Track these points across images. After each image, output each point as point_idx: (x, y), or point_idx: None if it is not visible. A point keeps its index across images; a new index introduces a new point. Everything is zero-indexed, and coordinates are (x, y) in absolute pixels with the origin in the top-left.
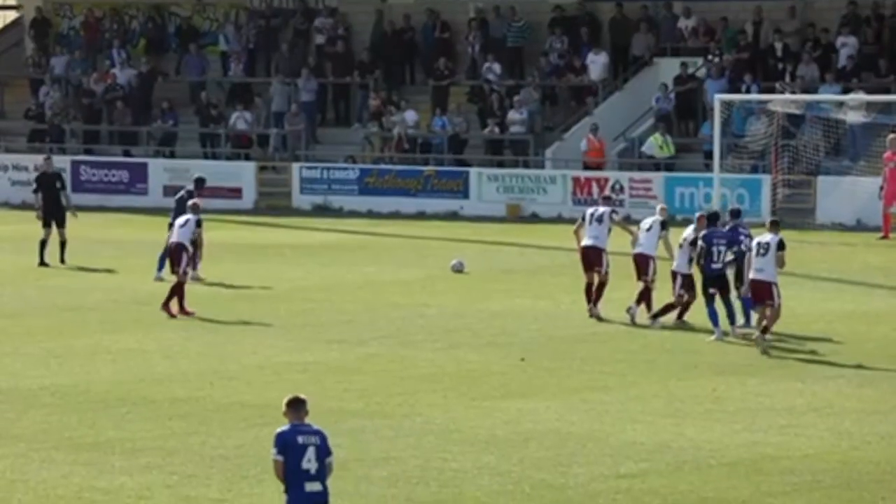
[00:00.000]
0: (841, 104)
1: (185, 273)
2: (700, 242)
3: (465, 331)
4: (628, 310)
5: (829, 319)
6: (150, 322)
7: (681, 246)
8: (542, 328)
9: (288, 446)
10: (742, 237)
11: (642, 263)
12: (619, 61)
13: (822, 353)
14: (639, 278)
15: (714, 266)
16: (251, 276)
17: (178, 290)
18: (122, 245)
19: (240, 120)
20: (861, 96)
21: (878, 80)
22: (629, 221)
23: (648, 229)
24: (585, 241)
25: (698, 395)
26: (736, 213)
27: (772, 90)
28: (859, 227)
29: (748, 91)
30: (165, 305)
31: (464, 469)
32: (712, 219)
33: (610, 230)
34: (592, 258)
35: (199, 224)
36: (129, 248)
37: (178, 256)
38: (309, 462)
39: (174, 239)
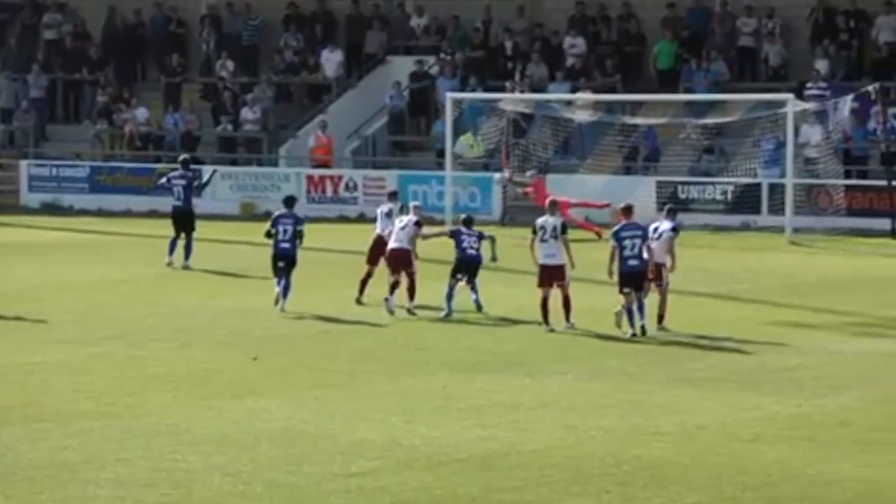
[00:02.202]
0: (569, 103)
1: None
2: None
3: (197, 330)
4: (385, 299)
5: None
6: None
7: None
8: (274, 326)
9: None
10: None
11: (403, 258)
12: (353, 59)
13: (551, 349)
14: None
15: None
16: None
17: None
18: None
19: None
20: (588, 95)
21: (605, 79)
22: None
23: (402, 227)
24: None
25: (429, 391)
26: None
27: (502, 89)
28: (588, 222)
29: (475, 89)
30: None
31: (194, 469)
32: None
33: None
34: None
35: None
36: None
37: None
38: None
39: None
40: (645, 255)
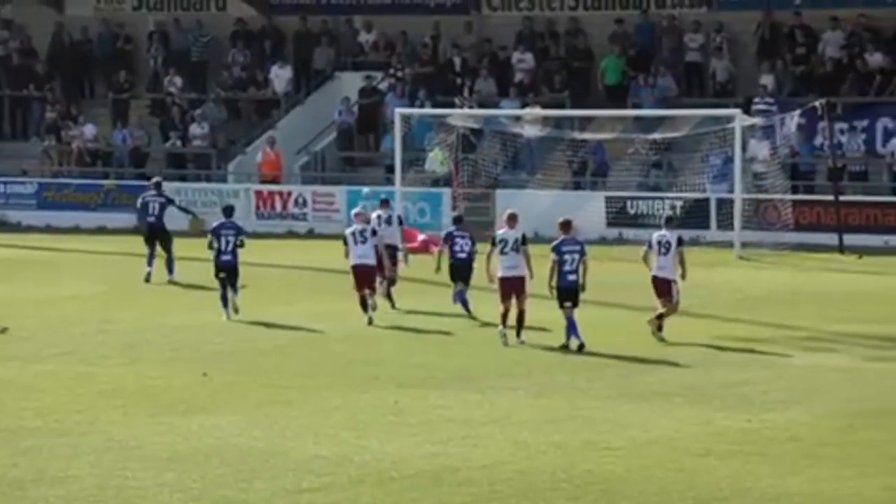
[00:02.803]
0: (518, 118)
1: None
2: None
3: (146, 346)
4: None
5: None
6: None
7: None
8: (224, 342)
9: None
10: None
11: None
12: (301, 75)
13: (501, 365)
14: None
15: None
16: None
17: None
18: None
19: None
20: (537, 111)
21: (553, 94)
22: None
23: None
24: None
25: (380, 407)
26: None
27: (451, 105)
28: (537, 238)
29: (423, 105)
30: None
31: (144, 486)
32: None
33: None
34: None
35: None
36: None
37: None
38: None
39: None
40: (580, 271)
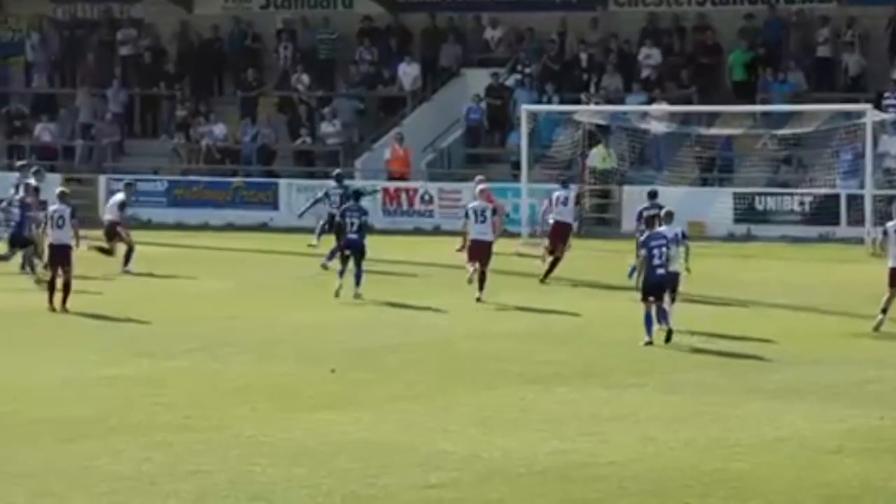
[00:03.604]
0: (644, 114)
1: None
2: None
3: (274, 343)
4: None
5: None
6: None
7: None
8: (351, 339)
9: None
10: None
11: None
12: (428, 72)
13: (628, 361)
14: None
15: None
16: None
17: None
18: None
19: (45, 131)
20: (664, 106)
21: (680, 90)
22: None
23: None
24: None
25: (507, 403)
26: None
27: (577, 101)
28: None
29: (550, 101)
30: None
31: (273, 482)
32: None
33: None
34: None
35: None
36: None
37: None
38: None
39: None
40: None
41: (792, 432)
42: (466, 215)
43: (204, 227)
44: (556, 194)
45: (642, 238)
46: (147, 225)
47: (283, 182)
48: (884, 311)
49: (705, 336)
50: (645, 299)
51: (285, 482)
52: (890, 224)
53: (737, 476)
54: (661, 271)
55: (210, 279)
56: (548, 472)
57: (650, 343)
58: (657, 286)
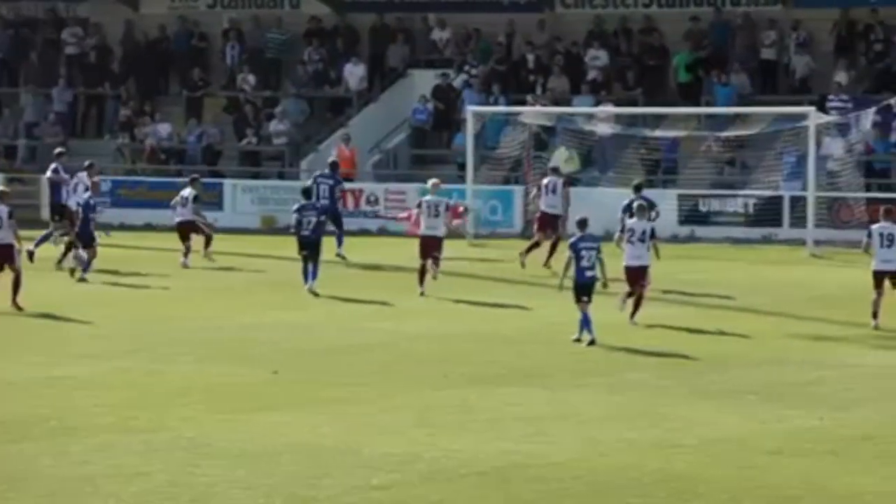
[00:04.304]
0: (591, 116)
1: None
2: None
3: (217, 344)
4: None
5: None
6: None
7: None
8: (294, 340)
9: None
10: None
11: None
12: (374, 72)
13: (572, 362)
14: None
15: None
16: None
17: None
18: None
19: None
20: (610, 108)
21: (626, 92)
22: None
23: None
24: None
25: (450, 405)
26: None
27: (524, 102)
28: (607, 237)
29: (497, 102)
30: None
31: (214, 483)
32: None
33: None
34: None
35: None
36: None
37: None
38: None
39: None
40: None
41: (733, 433)
42: (419, 206)
43: (148, 227)
44: (545, 181)
45: (571, 240)
46: None
47: (228, 182)
48: (874, 315)
49: (649, 335)
50: (578, 301)
51: (226, 484)
52: (874, 227)
53: (678, 476)
54: (589, 273)
55: (153, 280)
56: (490, 473)
57: (593, 342)
58: (585, 287)
